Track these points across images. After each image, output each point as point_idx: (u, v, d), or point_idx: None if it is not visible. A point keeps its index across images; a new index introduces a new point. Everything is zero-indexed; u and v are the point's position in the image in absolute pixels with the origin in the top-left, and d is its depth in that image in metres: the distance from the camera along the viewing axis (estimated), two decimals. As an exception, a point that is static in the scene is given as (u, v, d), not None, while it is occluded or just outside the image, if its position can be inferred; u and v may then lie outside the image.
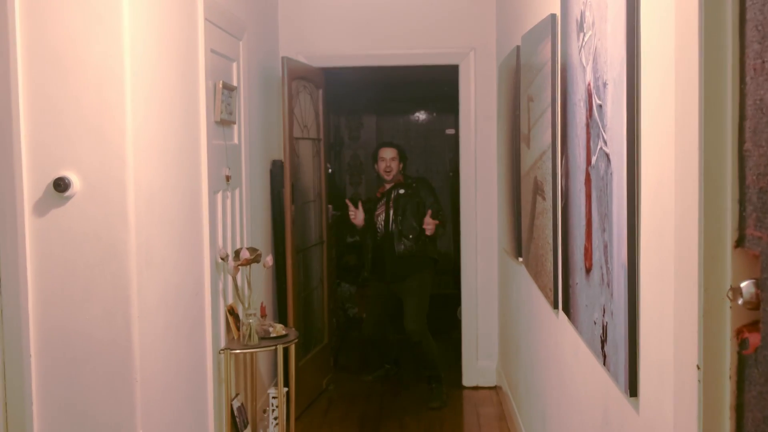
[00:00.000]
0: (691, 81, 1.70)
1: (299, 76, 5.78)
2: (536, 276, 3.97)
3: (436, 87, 8.92)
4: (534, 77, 3.93)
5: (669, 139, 1.91)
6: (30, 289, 3.29)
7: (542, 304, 3.85)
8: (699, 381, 1.69)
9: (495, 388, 6.21)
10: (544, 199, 3.67)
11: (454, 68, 6.25)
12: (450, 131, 10.17)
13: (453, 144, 9.99)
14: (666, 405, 1.99)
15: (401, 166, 6.23)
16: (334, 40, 6.18)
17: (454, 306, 7.07)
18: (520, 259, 4.62)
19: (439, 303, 7.35)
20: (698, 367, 1.69)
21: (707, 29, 1.64)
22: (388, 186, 6.21)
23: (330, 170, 7.76)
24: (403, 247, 6.04)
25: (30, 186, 3.25)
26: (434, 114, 10.40)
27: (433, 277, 6.26)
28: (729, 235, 1.63)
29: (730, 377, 1.64)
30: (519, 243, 4.64)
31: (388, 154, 6.18)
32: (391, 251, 6.09)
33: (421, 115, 10.46)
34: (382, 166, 6.18)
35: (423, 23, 6.14)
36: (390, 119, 10.41)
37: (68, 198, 3.25)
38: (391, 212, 6.13)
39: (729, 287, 1.63)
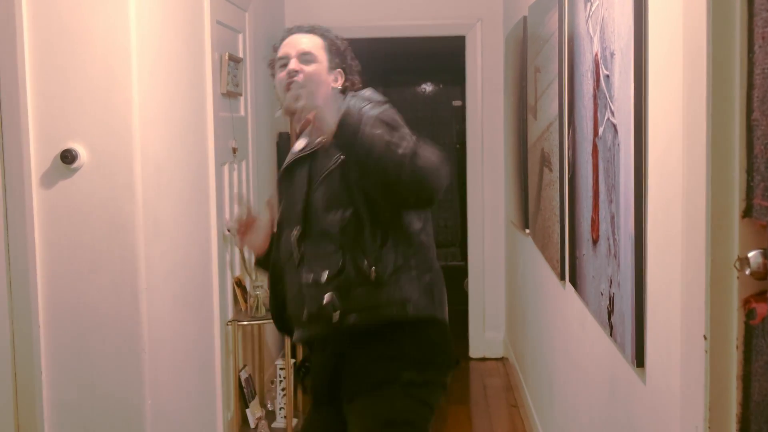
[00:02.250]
0: (698, 50, 1.69)
1: (305, 47, 5.75)
2: (543, 247, 3.97)
3: (443, 59, 8.87)
4: (541, 48, 3.91)
5: (676, 109, 1.90)
6: (38, 262, 3.30)
7: (549, 275, 3.85)
8: (706, 351, 1.68)
9: (502, 360, 6.23)
10: (551, 170, 3.66)
11: (461, 39, 6.21)
12: (457, 103, 10.14)
13: (460, 116, 9.96)
14: (673, 375, 1.98)
15: (341, 79, 2.78)
16: (340, 11, 6.13)
17: (460, 278, 7.07)
18: (527, 231, 4.62)
19: (446, 275, 7.35)
20: (705, 338, 1.69)
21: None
22: (302, 138, 2.71)
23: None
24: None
25: (37, 158, 3.26)
26: (441, 86, 10.35)
27: None
28: (736, 205, 1.62)
29: (737, 347, 1.63)
30: (526, 215, 4.64)
31: (293, 47, 2.65)
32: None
33: (427, 87, 10.41)
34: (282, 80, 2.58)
35: (430, -6, 6.10)
36: (396, 91, 10.35)
37: (75, 170, 3.26)
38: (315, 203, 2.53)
39: (736, 257, 1.62)
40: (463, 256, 6.55)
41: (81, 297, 3.32)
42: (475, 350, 6.33)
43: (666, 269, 2.04)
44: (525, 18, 4.54)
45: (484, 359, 6.28)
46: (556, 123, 3.46)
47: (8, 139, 3.22)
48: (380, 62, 9.70)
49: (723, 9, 1.62)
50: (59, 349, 3.35)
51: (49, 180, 3.26)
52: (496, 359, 6.26)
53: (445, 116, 10.28)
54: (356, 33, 6.28)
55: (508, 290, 6.08)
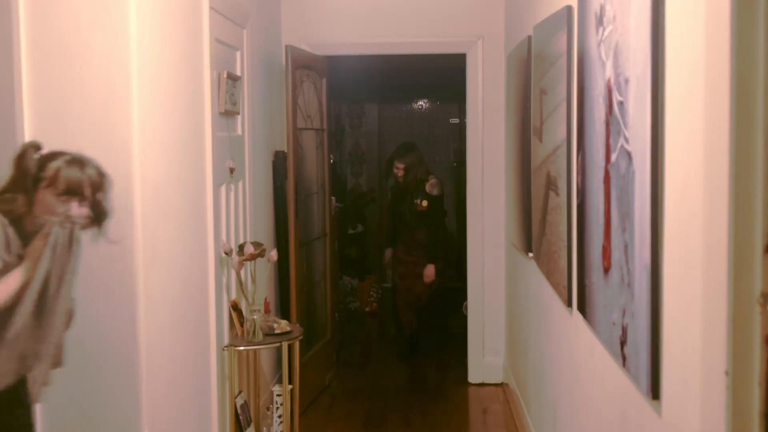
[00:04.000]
0: (721, 79, 1.67)
1: (303, 64, 5.71)
2: (548, 273, 3.91)
3: (440, 75, 8.85)
4: (547, 69, 3.86)
5: (696, 138, 1.87)
6: (33, 286, 3.22)
7: (555, 301, 3.79)
8: (727, 387, 1.67)
9: (501, 385, 6.14)
10: (557, 194, 3.61)
11: (459, 56, 6.17)
12: (454, 120, 10.10)
13: (457, 134, 9.91)
14: (690, 409, 1.95)
15: None
16: (338, 27, 6.09)
17: (459, 300, 7.00)
18: (531, 255, 4.56)
19: (443, 296, 7.28)
20: (726, 373, 1.67)
21: (739, 25, 1.61)
22: None
23: (332, 161, 7.67)
24: None
25: (33, 180, 3.19)
26: (438, 103, 10.32)
27: None
28: (759, 240, 1.60)
29: (759, 384, 1.62)
30: (529, 238, 4.58)
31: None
32: None
33: (424, 104, 10.39)
34: None
35: (429, 11, 6.05)
36: (392, 107, 10.32)
37: (72, 192, 3.19)
38: None
39: (759, 292, 1.60)
40: (460, 277, 6.49)
41: (78, 323, 3.22)
42: (474, 375, 6.23)
43: (683, 301, 2.01)
44: (530, 37, 4.50)
45: (483, 384, 6.18)
46: (564, 147, 3.41)
47: (4, 160, 3.15)
48: (376, 78, 9.68)
49: (747, 36, 1.61)
50: (56, 376, 3.26)
51: (45, 203, 3.19)
52: (496, 385, 6.17)
53: (442, 134, 10.24)
54: (355, 50, 6.27)
55: (508, 314, 6.01)
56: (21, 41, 3.14)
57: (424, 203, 6.69)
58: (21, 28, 3.14)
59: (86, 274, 3.21)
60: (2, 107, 3.12)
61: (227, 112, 4.45)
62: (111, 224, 3.17)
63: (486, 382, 6.20)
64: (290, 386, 4.65)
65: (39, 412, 3.25)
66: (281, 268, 5.59)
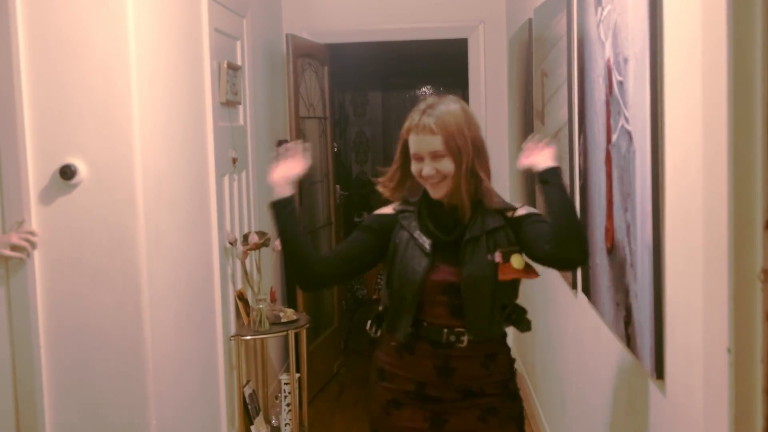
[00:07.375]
0: (718, 56, 1.66)
1: (304, 53, 5.70)
2: (552, 255, 3.91)
3: (443, 61, 8.82)
4: (548, 52, 3.85)
5: (695, 116, 1.86)
6: (38, 280, 3.24)
7: (560, 284, 3.79)
8: (730, 364, 1.66)
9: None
10: (560, 177, 3.60)
11: (461, 41, 6.15)
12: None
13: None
14: (694, 387, 1.95)
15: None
16: (339, 15, 6.07)
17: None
18: (534, 238, 4.55)
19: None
20: (729, 351, 1.66)
21: (735, 2, 1.58)
22: None
23: (336, 149, 7.65)
24: None
25: (35, 174, 3.20)
26: (441, 89, 10.29)
27: None
28: (759, 216, 1.59)
29: (761, 360, 1.61)
30: (533, 221, 4.57)
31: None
32: None
33: (427, 91, 10.36)
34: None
35: (430, -5, 6.03)
36: (396, 95, 10.30)
37: (75, 185, 3.20)
38: None
39: (760, 269, 1.60)
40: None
41: (83, 316, 3.26)
42: (482, 358, 6.23)
43: (686, 280, 2.00)
44: (530, 20, 4.49)
45: (490, 367, 6.18)
46: (566, 129, 3.40)
47: (5, 155, 3.16)
48: (379, 65, 9.66)
49: (743, 12, 1.59)
50: (61, 371, 3.28)
51: (47, 196, 3.20)
52: (503, 367, 6.16)
53: (445, 120, 10.20)
54: (356, 37, 6.24)
55: (514, 297, 5.99)
56: (19, 35, 3.14)
57: (517, 261, 2.71)
58: (19, 21, 3.14)
59: (89, 265, 3.23)
60: (2, 101, 3.13)
61: (228, 102, 4.44)
62: (112, 216, 3.19)
63: (494, 366, 6.19)
64: (298, 375, 4.66)
65: (46, 404, 3.27)
66: (287, 257, 5.58)
